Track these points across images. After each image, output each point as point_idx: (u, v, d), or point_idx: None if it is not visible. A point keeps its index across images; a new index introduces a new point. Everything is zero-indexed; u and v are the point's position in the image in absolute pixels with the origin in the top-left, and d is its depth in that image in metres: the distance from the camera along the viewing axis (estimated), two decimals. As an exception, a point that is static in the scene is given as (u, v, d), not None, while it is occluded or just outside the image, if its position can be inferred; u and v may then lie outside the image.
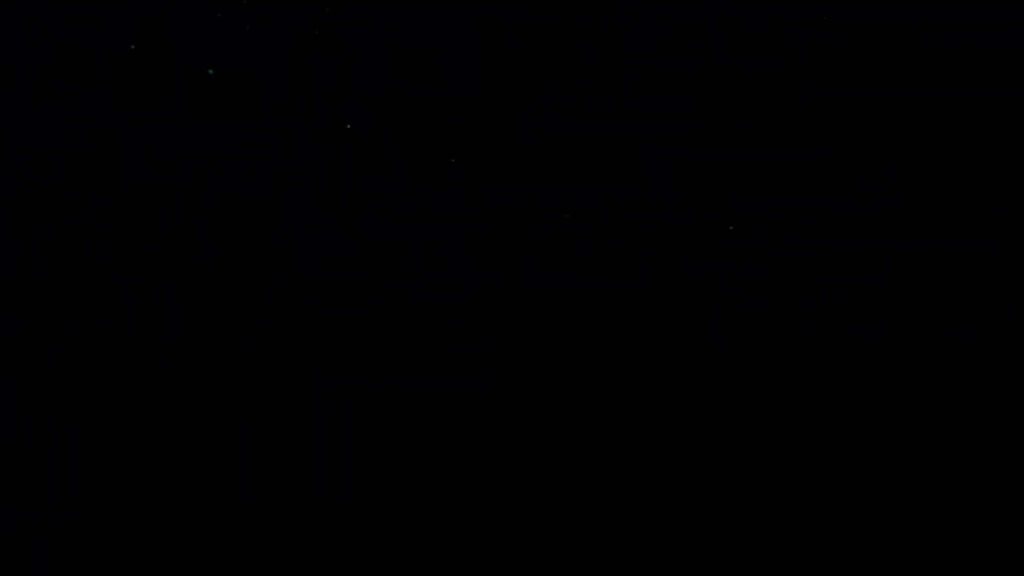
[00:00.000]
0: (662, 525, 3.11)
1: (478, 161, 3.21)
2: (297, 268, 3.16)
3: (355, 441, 3.12)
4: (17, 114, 3.08)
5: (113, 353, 3.09)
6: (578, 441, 3.15)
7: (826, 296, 3.16)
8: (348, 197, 3.20)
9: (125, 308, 3.10)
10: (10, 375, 3.03)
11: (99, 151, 3.10)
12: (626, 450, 3.14)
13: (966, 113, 3.18)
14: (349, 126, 3.18)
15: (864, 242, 3.17)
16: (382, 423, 3.14)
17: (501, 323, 3.17)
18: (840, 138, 3.18)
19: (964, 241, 3.16)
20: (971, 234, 3.15)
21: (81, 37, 3.10)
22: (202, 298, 3.13)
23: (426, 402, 3.15)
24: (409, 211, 3.19)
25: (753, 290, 3.18)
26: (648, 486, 3.13)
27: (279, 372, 3.14)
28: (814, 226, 3.18)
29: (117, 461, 3.06)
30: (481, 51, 3.19)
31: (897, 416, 3.13)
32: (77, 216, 3.10)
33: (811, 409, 3.14)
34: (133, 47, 3.12)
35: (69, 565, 3.00)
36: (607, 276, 3.19)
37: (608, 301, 3.18)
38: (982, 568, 3.05)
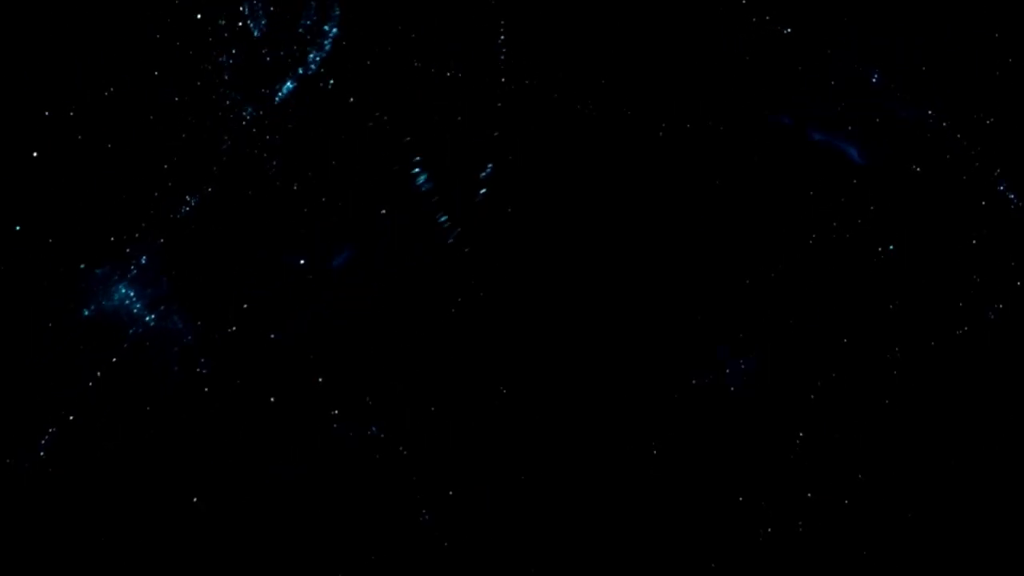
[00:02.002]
0: (661, 524, 3.12)
1: (478, 161, 3.22)
2: (296, 268, 3.17)
3: (355, 440, 3.13)
4: (17, 114, 3.08)
5: (113, 353, 3.09)
6: (578, 440, 3.15)
7: (828, 296, 3.18)
8: (348, 197, 3.20)
9: (126, 309, 3.11)
10: (10, 375, 3.03)
11: (100, 151, 3.11)
12: (626, 448, 3.15)
13: (966, 113, 3.19)
14: (349, 128, 3.19)
15: (864, 242, 3.18)
16: (382, 425, 3.14)
17: (501, 323, 3.18)
18: (839, 138, 3.20)
19: (963, 241, 3.18)
20: (970, 233, 3.17)
21: (85, 37, 3.11)
22: (202, 297, 3.14)
23: (426, 406, 3.16)
24: (409, 211, 3.20)
25: (753, 290, 3.19)
26: (647, 485, 3.14)
27: (279, 373, 3.14)
28: (814, 224, 3.19)
29: (115, 461, 3.07)
30: (481, 50, 3.20)
31: (897, 416, 3.14)
32: (77, 216, 3.10)
33: (811, 409, 3.15)
34: (134, 47, 3.12)
35: (69, 565, 3.01)
36: (607, 276, 3.20)
37: (608, 301, 3.19)
38: (983, 568, 3.06)
